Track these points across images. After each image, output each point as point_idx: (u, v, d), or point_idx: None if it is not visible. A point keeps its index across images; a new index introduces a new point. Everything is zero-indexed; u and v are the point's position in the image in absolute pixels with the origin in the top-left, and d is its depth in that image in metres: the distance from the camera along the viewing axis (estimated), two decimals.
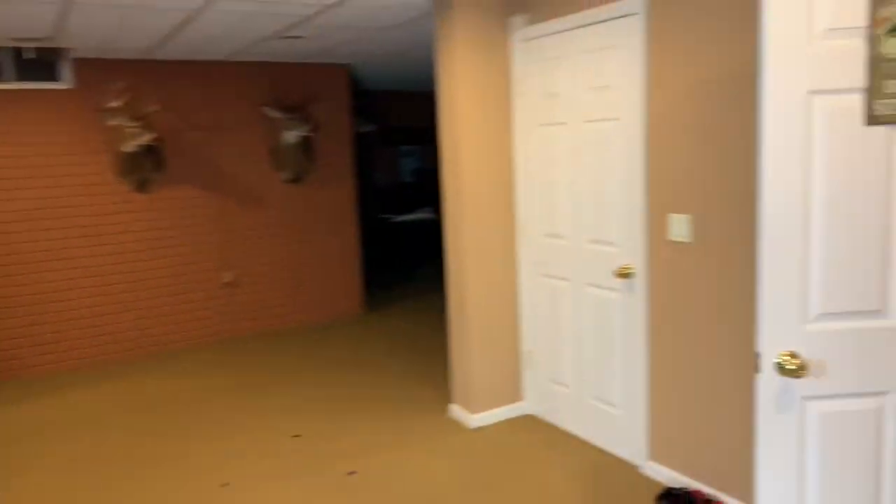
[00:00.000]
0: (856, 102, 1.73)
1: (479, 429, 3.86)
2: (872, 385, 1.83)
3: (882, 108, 1.73)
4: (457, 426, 3.91)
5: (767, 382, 1.83)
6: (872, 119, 1.73)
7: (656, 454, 3.20)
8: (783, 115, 1.73)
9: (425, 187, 9.11)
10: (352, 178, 6.44)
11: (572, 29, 3.33)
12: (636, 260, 3.16)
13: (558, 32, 3.41)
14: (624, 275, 3.20)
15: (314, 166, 6.18)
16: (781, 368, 1.79)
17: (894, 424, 1.84)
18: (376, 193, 8.80)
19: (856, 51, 1.71)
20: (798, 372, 1.77)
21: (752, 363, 2.72)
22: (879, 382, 1.83)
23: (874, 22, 1.69)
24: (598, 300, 3.42)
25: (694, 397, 2.97)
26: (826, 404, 1.84)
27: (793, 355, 1.80)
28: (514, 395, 4.01)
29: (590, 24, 3.23)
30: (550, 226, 3.65)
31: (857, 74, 1.72)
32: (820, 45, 1.70)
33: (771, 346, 1.81)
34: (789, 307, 1.80)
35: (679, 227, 2.92)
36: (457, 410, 4.00)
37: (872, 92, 1.72)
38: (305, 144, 5.99)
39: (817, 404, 1.84)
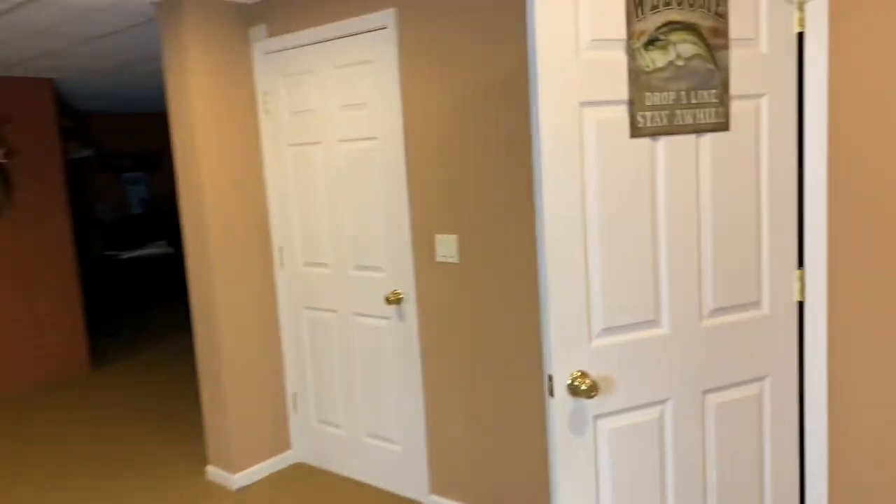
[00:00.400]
0: (622, 114, 1.73)
1: (243, 489, 3.40)
2: (654, 395, 1.84)
3: (644, 120, 1.75)
4: (217, 490, 3.41)
5: (561, 405, 1.75)
6: (636, 131, 1.75)
7: (440, 487, 3.06)
8: (557, 128, 1.66)
9: (158, 218, 8.19)
10: (65, 211, 5.48)
11: (321, 42, 3.09)
12: (406, 285, 3.00)
13: (305, 45, 3.15)
14: (394, 301, 3.03)
15: (12, 199, 5.13)
16: (575, 390, 1.72)
17: (673, 431, 1.88)
18: (99, 227, 7.69)
19: (618, 63, 1.71)
20: (590, 392, 1.70)
21: (532, 383, 2.69)
22: (659, 391, 1.85)
23: (631, 35, 1.71)
24: (368, 330, 3.20)
25: (476, 423, 2.88)
26: (615, 420, 1.81)
27: (584, 375, 1.74)
28: (281, 444, 3.62)
29: (339, 38, 3.02)
30: (312, 254, 3.36)
31: (621, 86, 1.72)
32: (587, 56, 1.67)
33: (562, 367, 1.73)
34: (576, 325, 1.74)
35: (446, 247, 2.83)
36: (215, 472, 3.49)
37: (635, 104, 1.73)
38: None
39: (607, 421, 1.80)
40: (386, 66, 2.89)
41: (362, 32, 2.94)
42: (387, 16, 2.83)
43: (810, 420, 2.02)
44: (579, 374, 1.74)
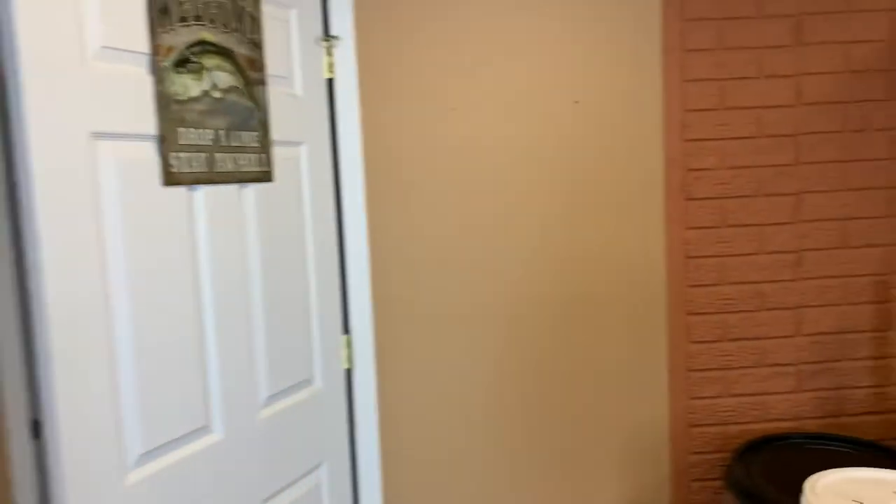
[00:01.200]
0: (153, 153, 1.26)
1: None
2: None
3: (179, 162, 1.32)
4: None
5: None
6: (170, 177, 1.30)
7: None
8: (59, 171, 1.09)
9: None
10: None
11: None
12: None
13: None
14: None
15: None
16: None
17: None
18: None
19: (143, 84, 1.24)
20: None
21: None
22: None
23: (157, 49, 1.27)
24: None
25: None
26: None
27: None
28: None
29: None
30: None
31: (148, 116, 1.25)
32: (99, 68, 1.16)
33: None
34: (102, 458, 1.17)
35: None
36: None
37: (167, 141, 1.29)
38: None
39: None
40: None
41: None
42: None
43: (365, 493, 1.87)
44: None
